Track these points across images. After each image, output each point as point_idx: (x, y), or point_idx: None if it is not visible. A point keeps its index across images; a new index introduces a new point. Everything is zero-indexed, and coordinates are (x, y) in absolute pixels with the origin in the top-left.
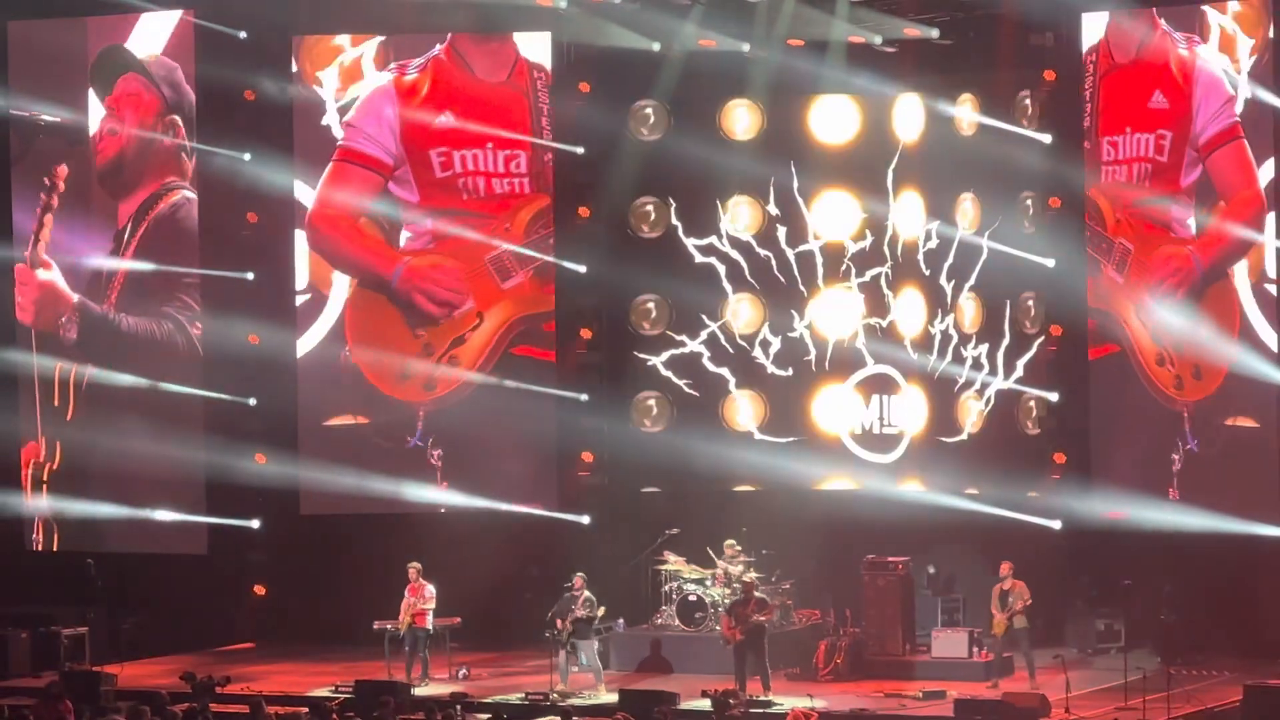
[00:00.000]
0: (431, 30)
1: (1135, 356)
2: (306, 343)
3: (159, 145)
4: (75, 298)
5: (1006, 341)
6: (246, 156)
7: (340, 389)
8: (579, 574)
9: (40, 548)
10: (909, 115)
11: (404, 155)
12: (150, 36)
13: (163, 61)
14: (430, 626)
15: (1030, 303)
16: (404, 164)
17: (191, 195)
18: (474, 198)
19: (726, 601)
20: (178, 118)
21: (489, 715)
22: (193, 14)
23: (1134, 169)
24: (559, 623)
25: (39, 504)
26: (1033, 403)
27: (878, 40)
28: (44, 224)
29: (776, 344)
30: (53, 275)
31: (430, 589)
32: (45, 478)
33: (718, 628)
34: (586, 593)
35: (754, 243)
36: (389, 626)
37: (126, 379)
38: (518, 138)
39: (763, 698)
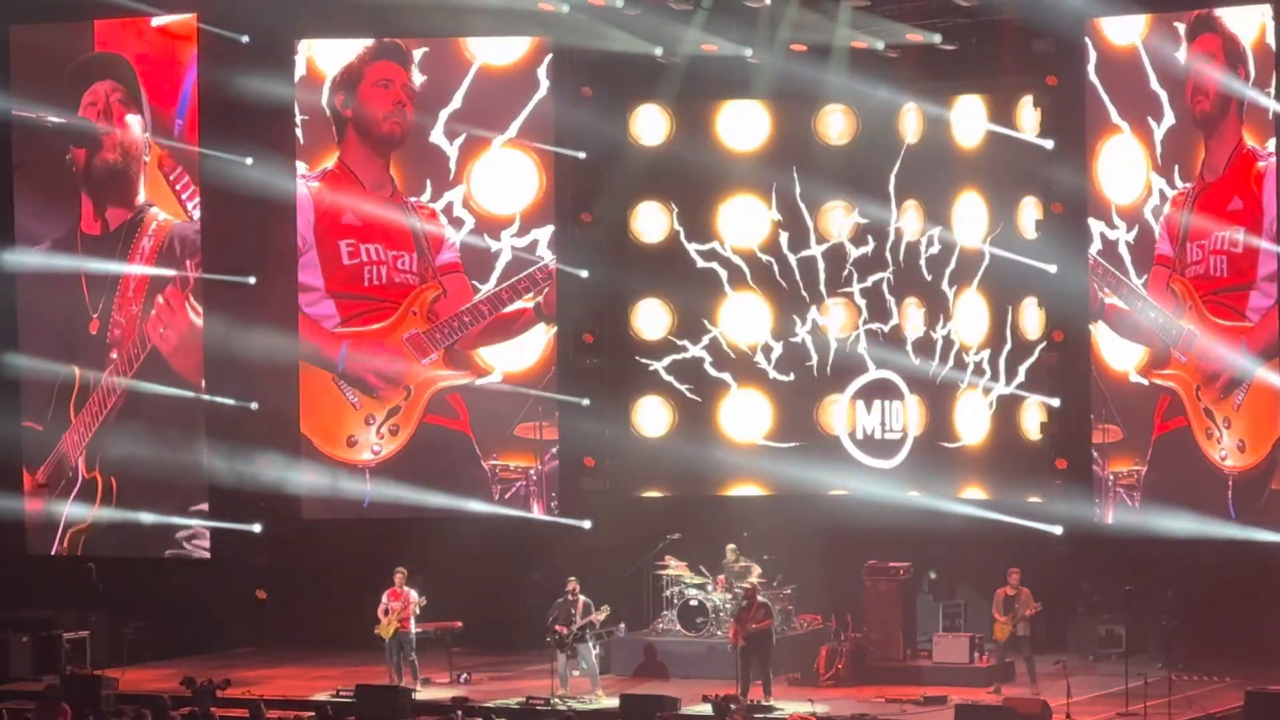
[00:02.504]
0: (434, 34)
1: (1193, 430)
2: None
3: (138, 153)
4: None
5: (1008, 347)
6: (249, 160)
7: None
8: (572, 579)
9: (65, 552)
10: (911, 120)
11: (314, 243)
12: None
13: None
14: (414, 631)
15: (1032, 308)
16: (312, 249)
17: (170, 218)
18: (375, 285)
19: (728, 607)
20: (151, 130)
21: None
22: (196, 17)
23: (1212, 262)
24: (560, 629)
25: (47, 508)
26: (1035, 408)
27: (880, 45)
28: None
29: (778, 349)
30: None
31: (414, 594)
32: (51, 483)
33: (719, 633)
34: (583, 597)
35: (756, 248)
36: (376, 632)
37: (147, 386)
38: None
39: (764, 703)
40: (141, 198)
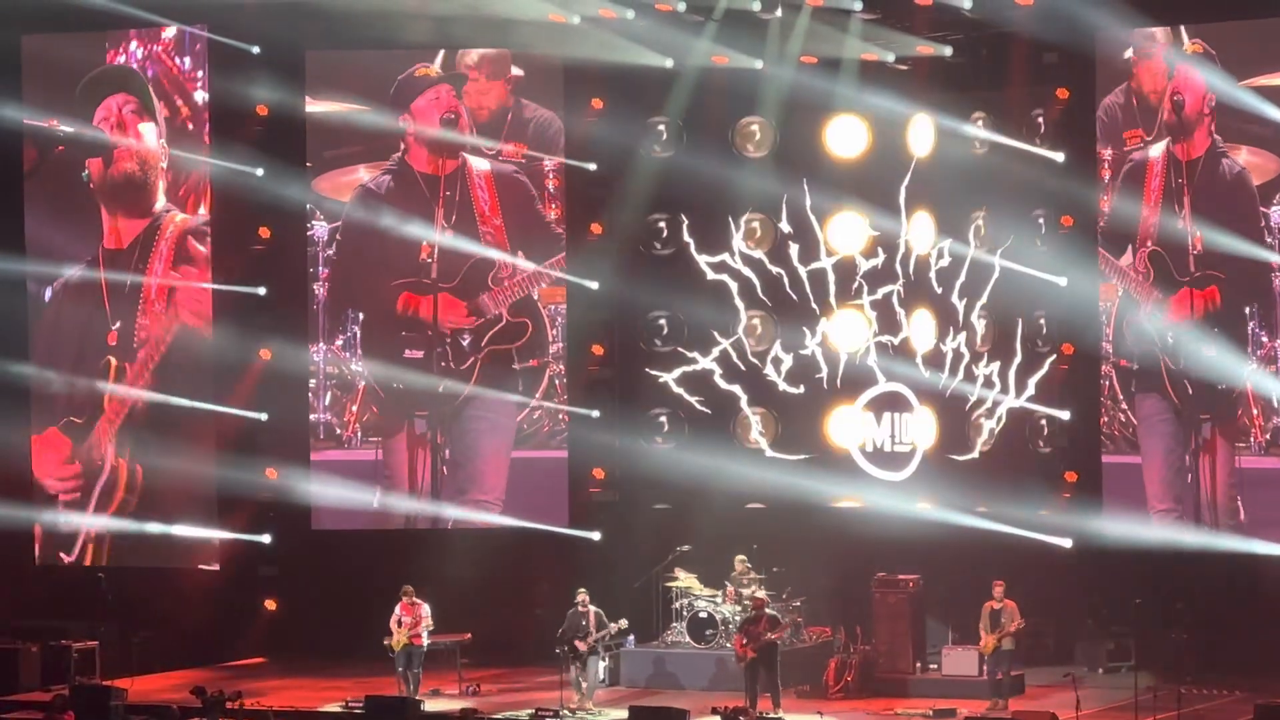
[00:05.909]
0: (443, 47)
1: None
2: None
3: (155, 161)
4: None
5: (1018, 360)
6: (259, 171)
7: None
8: (582, 590)
9: (77, 561)
10: (921, 133)
11: None
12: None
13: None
14: (425, 644)
15: (1042, 321)
16: None
17: (187, 217)
18: None
19: (737, 619)
20: (164, 139)
21: None
22: (206, 28)
23: None
24: (579, 643)
25: (56, 518)
26: (1044, 421)
27: (891, 58)
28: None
29: (788, 361)
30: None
31: (426, 608)
32: (67, 493)
33: (728, 645)
34: (594, 609)
35: (766, 260)
36: (386, 643)
37: (155, 397)
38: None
39: (773, 715)
40: (159, 206)
